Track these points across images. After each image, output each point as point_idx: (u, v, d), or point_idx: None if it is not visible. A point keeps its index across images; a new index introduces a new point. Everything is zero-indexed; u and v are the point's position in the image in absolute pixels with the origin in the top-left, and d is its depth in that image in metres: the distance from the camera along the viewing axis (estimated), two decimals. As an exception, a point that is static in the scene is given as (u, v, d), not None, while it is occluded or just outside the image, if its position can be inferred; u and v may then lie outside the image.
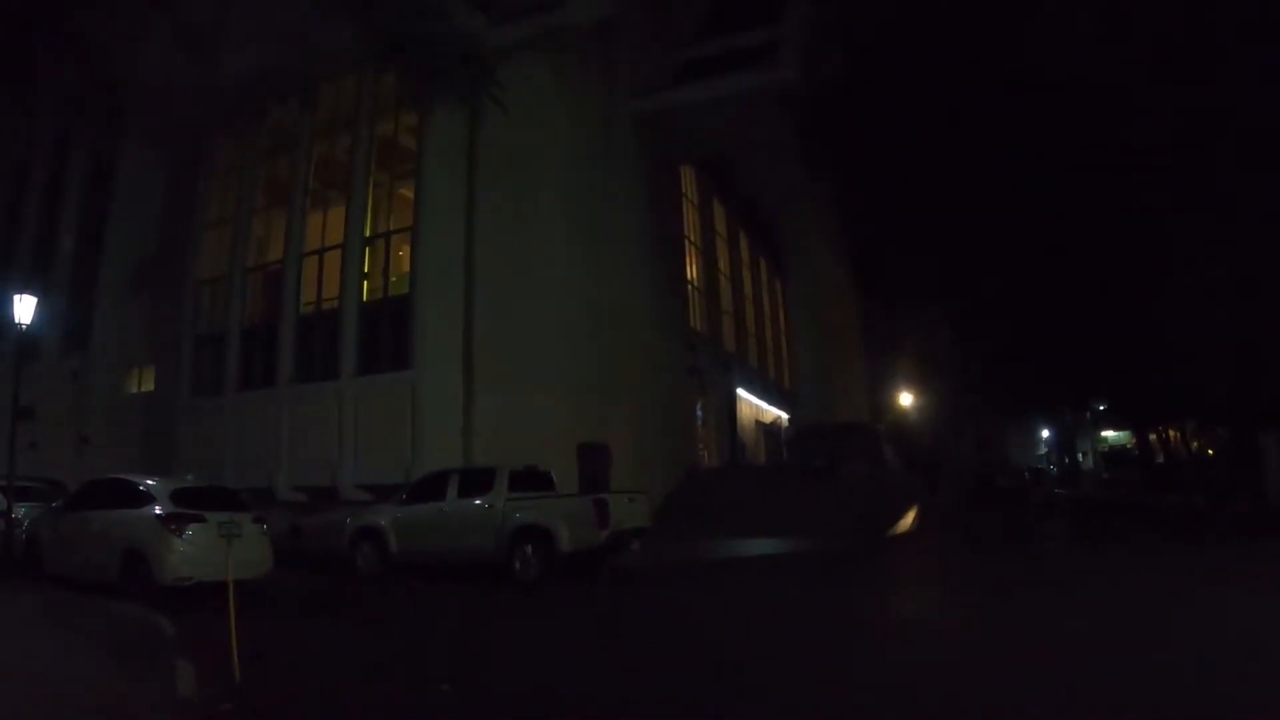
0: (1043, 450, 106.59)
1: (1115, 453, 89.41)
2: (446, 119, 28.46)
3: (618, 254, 30.71)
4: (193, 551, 14.70)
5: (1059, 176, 42.80)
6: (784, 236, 58.21)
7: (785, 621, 13.49)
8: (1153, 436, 76.61)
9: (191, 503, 15.55)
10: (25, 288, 21.96)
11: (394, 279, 29.56)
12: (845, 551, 22.88)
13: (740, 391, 45.74)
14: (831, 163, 51.67)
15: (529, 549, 17.90)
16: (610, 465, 27.22)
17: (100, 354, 36.05)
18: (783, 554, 22.96)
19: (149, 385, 36.17)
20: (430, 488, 20.30)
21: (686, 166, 42.07)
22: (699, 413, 39.27)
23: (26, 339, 23.30)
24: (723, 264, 47.45)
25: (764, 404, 52.02)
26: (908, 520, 29.48)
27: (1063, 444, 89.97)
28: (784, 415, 54.02)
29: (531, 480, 19.87)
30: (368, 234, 30.01)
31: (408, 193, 30.05)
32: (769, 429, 51.08)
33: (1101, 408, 77.26)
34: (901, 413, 68.69)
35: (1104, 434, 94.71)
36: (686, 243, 40.87)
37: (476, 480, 19.62)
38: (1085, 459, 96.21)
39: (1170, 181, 35.79)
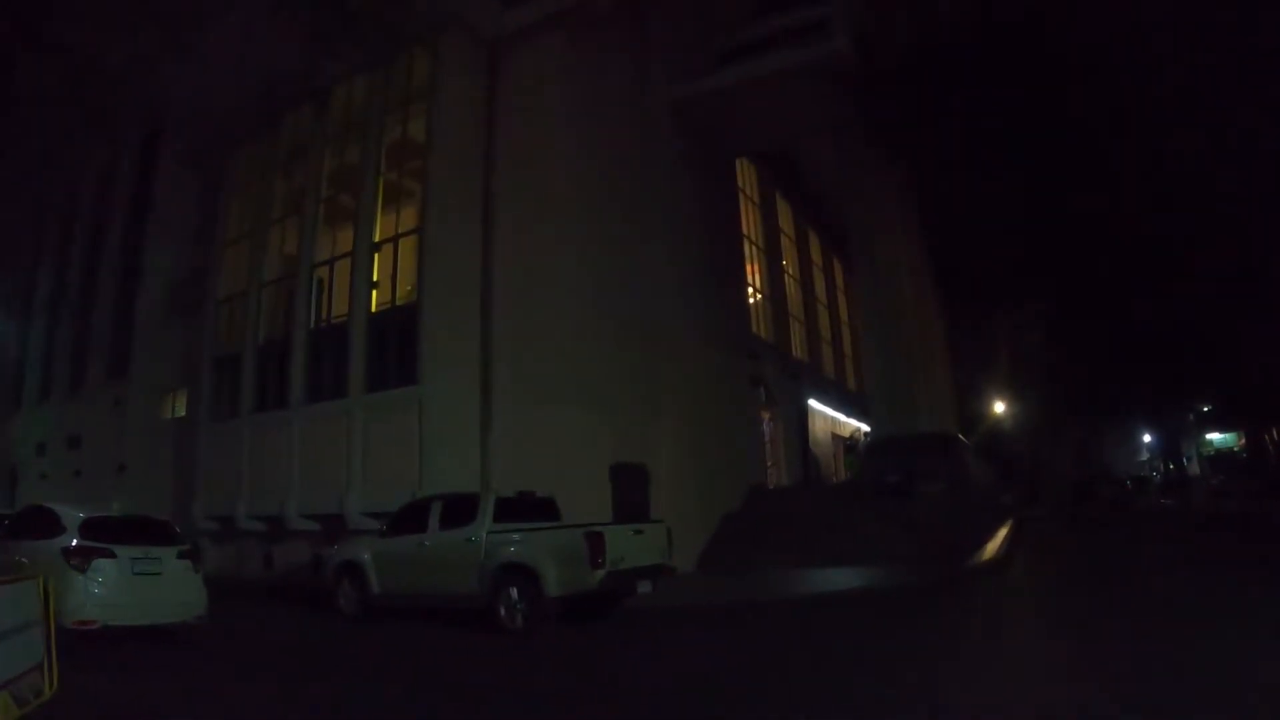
0: (1144, 456, 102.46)
1: (1222, 456, 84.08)
2: (458, 107, 26.22)
3: (658, 256, 27.65)
4: (100, 592, 12.77)
5: (1155, 155, 40.54)
6: (855, 234, 54.64)
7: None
8: (1266, 438, 72.62)
9: (106, 535, 13.36)
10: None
11: (403, 288, 26.63)
12: (916, 585, 19.09)
13: (812, 403, 42.24)
14: (903, 150, 49.42)
15: (514, 591, 14.83)
16: (649, 487, 24.05)
17: (139, 380, 34.87)
18: (839, 590, 19.12)
19: (182, 410, 34.51)
20: (412, 518, 17.44)
21: (743, 161, 39.08)
22: (765, 427, 35.83)
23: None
24: (790, 265, 44.28)
25: (841, 416, 48.34)
26: (995, 543, 25.68)
27: (1167, 449, 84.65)
28: (864, 428, 50.25)
29: (528, 509, 16.76)
30: (376, 239, 27.25)
31: (419, 194, 27.27)
32: (847, 443, 47.41)
33: (1206, 409, 72.94)
34: (995, 422, 65.16)
35: (1209, 436, 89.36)
36: (746, 242, 37.76)
37: (459, 509, 16.52)
38: (1189, 464, 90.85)
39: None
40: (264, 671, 12.36)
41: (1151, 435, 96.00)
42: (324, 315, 28.54)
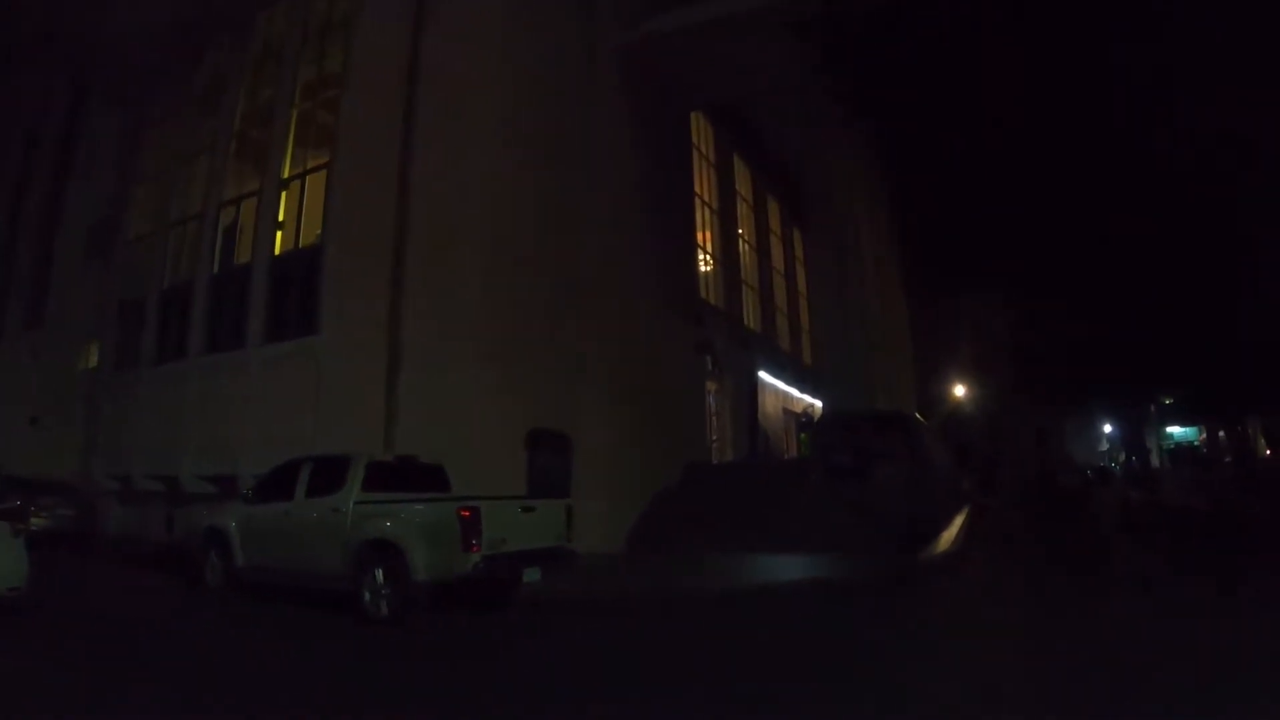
0: (1104, 447, 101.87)
1: (1181, 450, 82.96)
2: (380, 36, 23.71)
3: (597, 209, 25.21)
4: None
5: (1132, 141, 40.05)
6: (815, 198, 52.73)
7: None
8: (1221, 433, 72.17)
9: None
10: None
11: (310, 230, 24.06)
12: (864, 580, 16.85)
13: (764, 375, 39.90)
14: (868, 114, 48.58)
15: (379, 574, 12.48)
16: (572, 457, 21.69)
17: (55, 330, 32.60)
18: (780, 582, 16.70)
19: (95, 361, 31.94)
20: (279, 482, 15.05)
21: (699, 119, 36.64)
22: (710, 398, 33.49)
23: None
24: (746, 231, 41.95)
25: (794, 391, 46.04)
26: (953, 532, 23.54)
27: (1131, 440, 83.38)
28: (817, 404, 48.11)
29: (410, 477, 14.47)
30: (285, 175, 24.69)
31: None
32: (802, 420, 45.25)
33: (1168, 401, 71.99)
34: (956, 406, 63.75)
35: (1168, 430, 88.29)
36: (699, 203, 35.32)
37: (329, 474, 14.10)
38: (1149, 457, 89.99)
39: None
40: (61, 657, 10.19)
41: (1113, 426, 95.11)
42: (229, 259, 26.19)
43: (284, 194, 24.82)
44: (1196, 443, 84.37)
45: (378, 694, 8.60)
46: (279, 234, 24.57)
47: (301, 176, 24.59)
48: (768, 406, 40.41)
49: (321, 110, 25.15)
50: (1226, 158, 36.95)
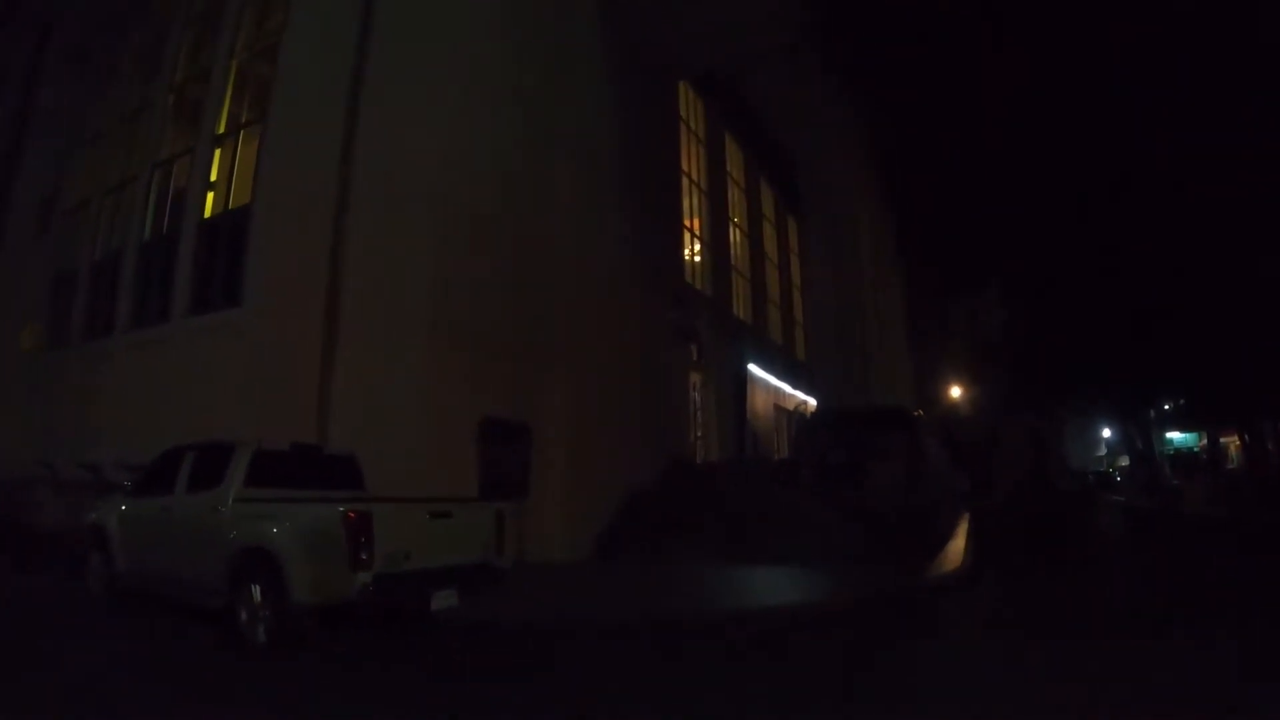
0: (1102, 451, 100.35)
1: (1181, 456, 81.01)
2: None
3: (567, 175, 22.26)
4: None
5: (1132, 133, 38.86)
6: (814, 194, 50.61)
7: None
8: (1223, 440, 70.13)
9: None
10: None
11: (241, 189, 21.42)
12: (867, 601, 14.03)
13: (754, 368, 37.32)
14: (868, 102, 47.65)
15: (256, 590, 9.93)
16: (531, 451, 19.14)
17: (3, 307, 30.05)
18: (767, 606, 13.89)
19: (31, 342, 29.48)
20: (161, 473, 12.49)
21: (690, 92, 34.32)
22: (694, 391, 30.98)
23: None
24: (737, 216, 39.49)
25: (786, 386, 43.51)
26: (960, 543, 21.00)
27: (1140, 444, 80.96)
28: (810, 401, 45.71)
29: (311, 470, 11.92)
30: (220, 130, 22.13)
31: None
32: (792, 416, 42.85)
33: (1166, 406, 70.00)
34: (952, 406, 62.10)
35: (1168, 435, 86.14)
36: (685, 180, 32.77)
37: (211, 465, 11.53)
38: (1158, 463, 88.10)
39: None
40: None
41: (1111, 431, 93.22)
42: (160, 226, 23.64)
43: (217, 152, 22.39)
44: (1196, 449, 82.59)
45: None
46: (210, 196, 22.11)
47: (236, 132, 22.08)
48: (757, 402, 37.92)
49: (263, 62, 22.47)
50: (1231, 154, 35.65)
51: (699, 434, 31.42)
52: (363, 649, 10.49)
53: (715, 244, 35.01)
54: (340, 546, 9.27)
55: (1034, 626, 12.28)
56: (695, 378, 31.05)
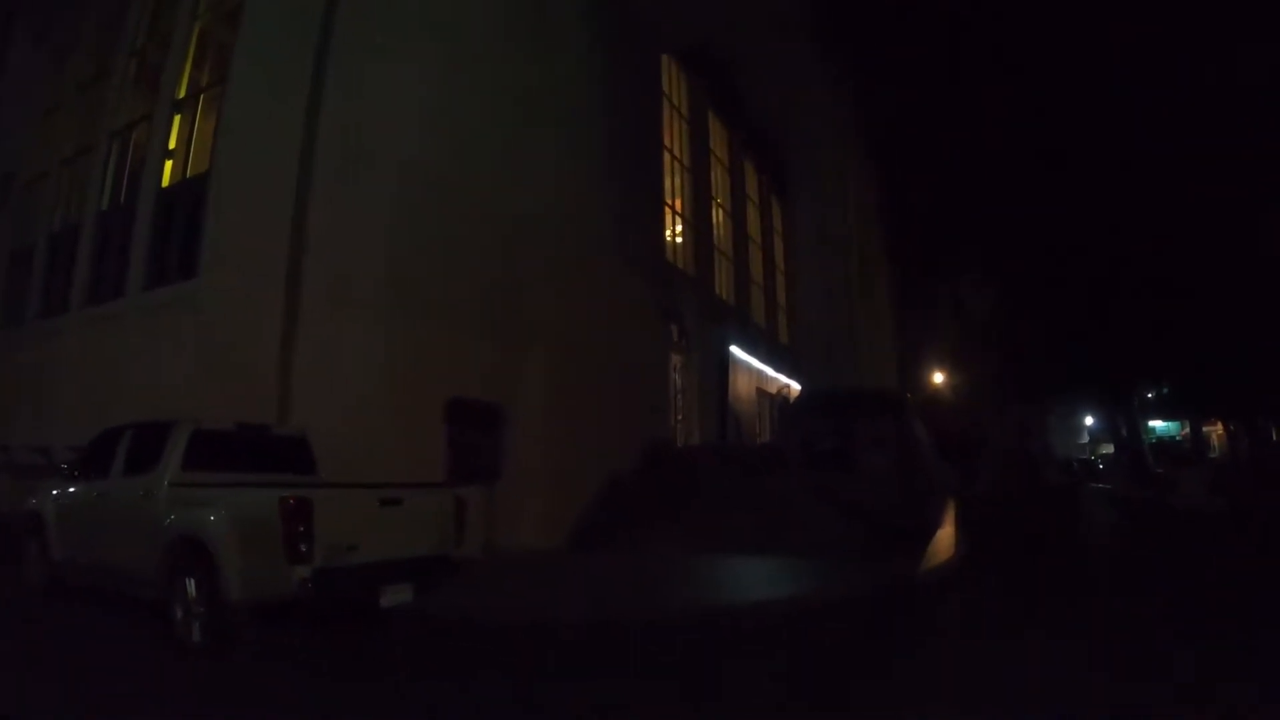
0: (1084, 439, 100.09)
1: (1164, 445, 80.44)
2: None
3: (545, 147, 21.08)
4: None
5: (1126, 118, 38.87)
6: (799, 176, 49.80)
7: None
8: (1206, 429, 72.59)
9: None
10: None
11: (201, 156, 20.37)
12: (857, 598, 13.00)
13: (736, 351, 36.34)
14: (854, 76, 47.29)
15: (191, 585, 8.93)
16: (502, 434, 18.10)
17: None
18: (753, 601, 12.90)
19: None
20: (99, 456, 11.45)
21: (674, 67, 33.38)
22: (676, 373, 30.05)
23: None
24: (720, 196, 38.52)
25: (769, 370, 42.61)
26: (949, 533, 20.10)
27: (1125, 432, 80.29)
28: (794, 385, 44.86)
29: (256, 452, 10.95)
30: (181, 94, 21.06)
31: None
32: (775, 400, 42.02)
33: (1149, 395, 69.72)
34: (935, 392, 61.61)
35: (1150, 424, 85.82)
36: (668, 156, 31.80)
37: (148, 446, 10.51)
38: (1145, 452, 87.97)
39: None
40: None
41: (1095, 419, 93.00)
42: (117, 196, 22.68)
43: (177, 118, 21.35)
44: (1178, 437, 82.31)
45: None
46: (168, 164, 21.05)
47: (196, 97, 21.04)
48: (740, 385, 36.98)
49: (226, 25, 21.29)
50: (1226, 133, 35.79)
51: (679, 417, 30.54)
52: (306, 650, 9.53)
53: (698, 223, 34.13)
54: (277, 537, 8.29)
55: (1034, 623, 11.28)
56: (676, 359, 30.12)
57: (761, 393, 41.30)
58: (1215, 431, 76.99)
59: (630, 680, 8.40)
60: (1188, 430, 79.00)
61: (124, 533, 10.22)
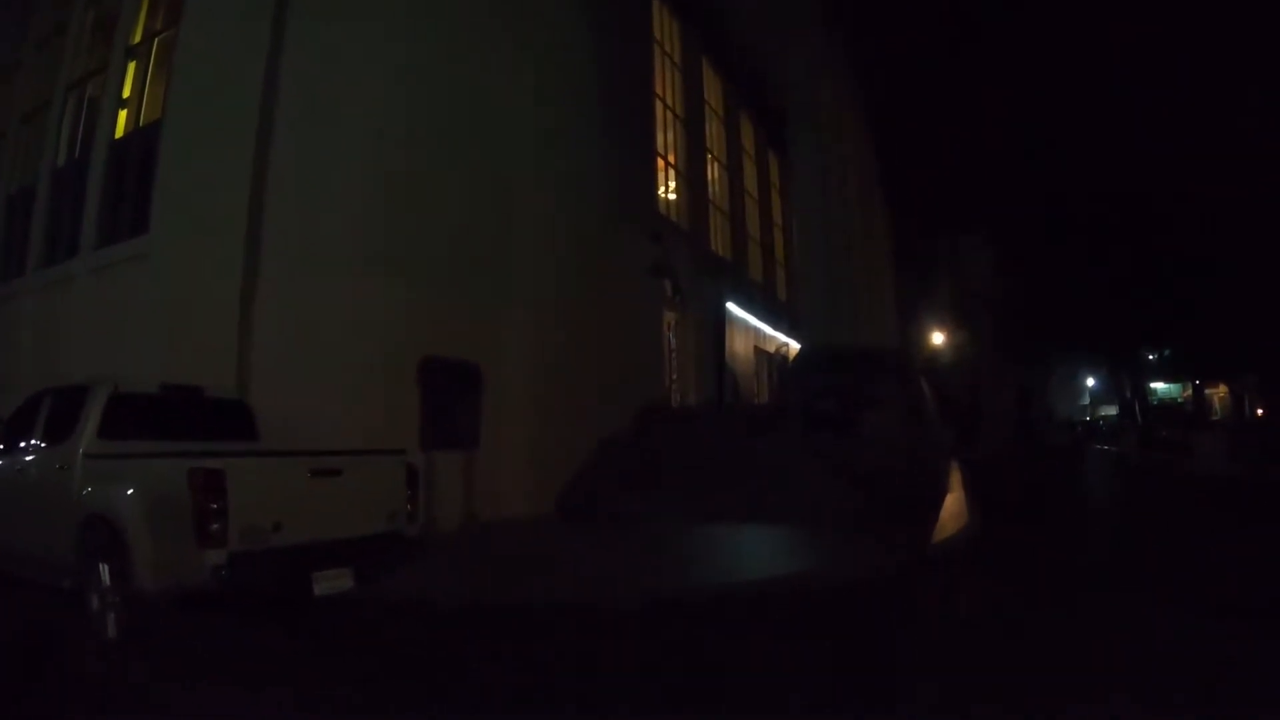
0: (1085, 400, 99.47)
1: (1165, 407, 79.64)
2: None
3: (526, 91, 19.76)
4: None
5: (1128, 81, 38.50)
6: (798, 127, 48.54)
7: None
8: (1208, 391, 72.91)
9: None
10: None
11: (155, 103, 19.01)
12: (865, 578, 11.71)
13: (733, 308, 35.09)
14: (860, 37, 46.60)
15: (105, 571, 7.76)
16: (482, 397, 16.93)
17: None
18: (751, 579, 11.63)
19: None
20: (20, 425, 10.21)
21: (665, 12, 32.10)
22: (669, 332, 28.85)
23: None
24: (715, 148, 37.16)
25: (767, 328, 41.43)
26: (960, 501, 18.87)
27: (1129, 393, 79.34)
28: (792, 344, 43.70)
29: (185, 419, 9.67)
30: (136, 39, 19.78)
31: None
32: (774, 359, 40.88)
33: (1151, 356, 69.01)
34: (935, 352, 60.72)
35: (1152, 385, 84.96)
36: (659, 104, 30.43)
37: (65, 412, 9.32)
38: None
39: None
40: None
41: (1096, 380, 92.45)
42: (72, 152, 21.43)
43: (131, 65, 20.00)
44: (1180, 399, 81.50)
45: None
46: (122, 114, 19.74)
47: (151, 41, 19.72)
48: (737, 344, 35.79)
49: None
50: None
51: (674, 377, 29.41)
52: (237, 646, 8.30)
53: (692, 177, 32.89)
54: (186, 515, 7.06)
55: (1055, 602, 10.06)
56: (670, 317, 28.89)
57: (760, 351, 40.14)
58: (1217, 394, 75.88)
59: (606, 680, 7.22)
60: (1189, 392, 78.03)
61: (39, 511, 9.09)
